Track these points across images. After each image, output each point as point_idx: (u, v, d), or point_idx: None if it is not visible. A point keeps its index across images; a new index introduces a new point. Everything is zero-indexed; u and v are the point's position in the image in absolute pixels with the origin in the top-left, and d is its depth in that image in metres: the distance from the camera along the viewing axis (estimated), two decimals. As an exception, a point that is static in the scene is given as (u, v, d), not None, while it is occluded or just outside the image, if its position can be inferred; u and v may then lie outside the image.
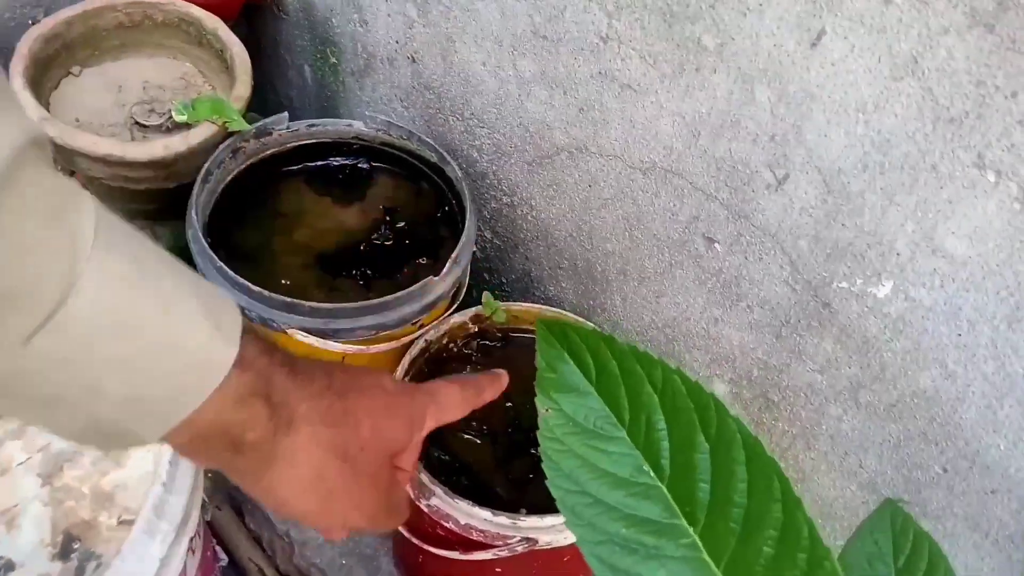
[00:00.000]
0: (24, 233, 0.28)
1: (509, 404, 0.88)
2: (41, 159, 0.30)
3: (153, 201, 0.93)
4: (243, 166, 0.91)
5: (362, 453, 0.44)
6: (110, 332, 0.32)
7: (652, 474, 0.51)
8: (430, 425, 0.50)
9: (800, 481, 0.81)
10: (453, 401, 0.53)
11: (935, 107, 0.52)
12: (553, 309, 0.90)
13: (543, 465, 0.52)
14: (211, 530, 1.05)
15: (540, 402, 0.53)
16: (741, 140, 0.65)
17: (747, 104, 0.62)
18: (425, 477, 0.74)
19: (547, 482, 0.51)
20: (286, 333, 0.77)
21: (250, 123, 0.89)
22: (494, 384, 0.59)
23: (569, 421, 0.53)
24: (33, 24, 0.90)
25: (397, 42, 0.92)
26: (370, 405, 0.45)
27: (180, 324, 0.34)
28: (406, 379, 0.85)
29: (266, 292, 0.75)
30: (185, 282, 0.34)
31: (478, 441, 0.86)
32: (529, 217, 0.93)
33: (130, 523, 0.66)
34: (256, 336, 0.38)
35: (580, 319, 0.89)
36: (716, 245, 0.73)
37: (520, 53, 0.79)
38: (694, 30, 0.63)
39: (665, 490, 0.50)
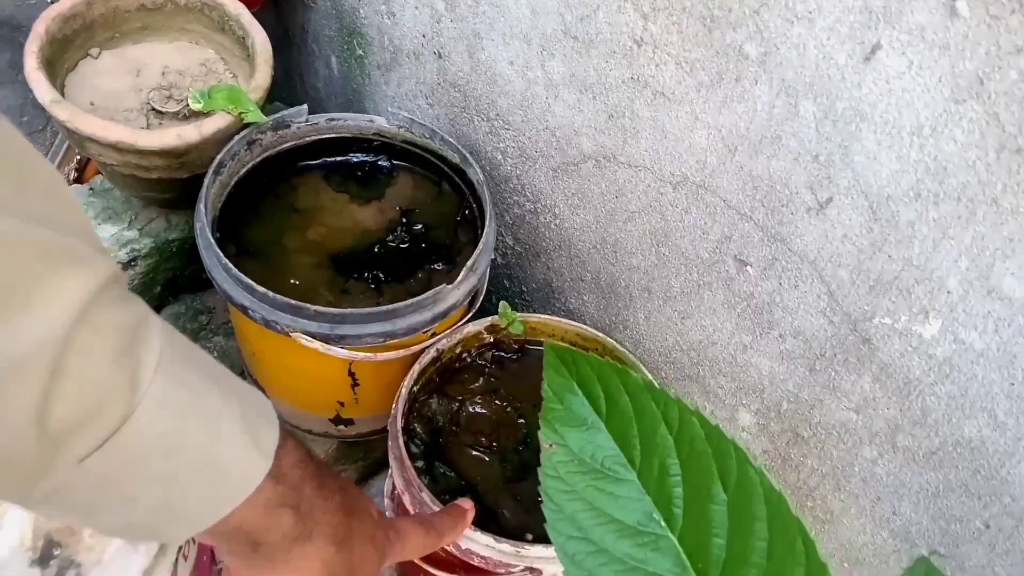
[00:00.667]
0: (92, 371, 0.31)
1: (521, 420, 0.84)
2: (115, 295, 0.33)
3: (167, 190, 0.90)
4: (259, 159, 0.87)
5: (350, 573, 0.46)
6: (158, 453, 0.34)
7: (663, 524, 0.46)
8: (390, 561, 0.53)
9: (828, 522, 0.75)
10: (415, 544, 0.57)
11: (1000, 134, 0.47)
12: (572, 323, 0.86)
13: (543, 506, 0.48)
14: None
15: (544, 436, 0.49)
16: (781, 158, 0.60)
17: (790, 119, 0.57)
18: (427, 496, 0.70)
19: (547, 526, 0.47)
20: (290, 336, 0.74)
21: (273, 113, 0.86)
22: (456, 527, 0.64)
23: (575, 459, 0.48)
24: (52, 2, 0.87)
25: (424, 36, 0.88)
26: (363, 530, 0.48)
27: (222, 444, 0.37)
28: (414, 388, 0.81)
29: (270, 293, 0.72)
30: (233, 399, 0.38)
31: (486, 458, 0.82)
32: (552, 225, 0.89)
33: (115, 530, 0.63)
34: (294, 445, 0.42)
35: (600, 334, 0.84)
36: (748, 268, 0.68)
37: (549, 53, 0.74)
38: (736, 37, 0.58)
39: (676, 542, 0.46)
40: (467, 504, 0.65)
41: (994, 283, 0.51)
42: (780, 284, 0.66)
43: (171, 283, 1.03)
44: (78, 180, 1.03)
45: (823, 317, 0.64)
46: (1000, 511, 0.60)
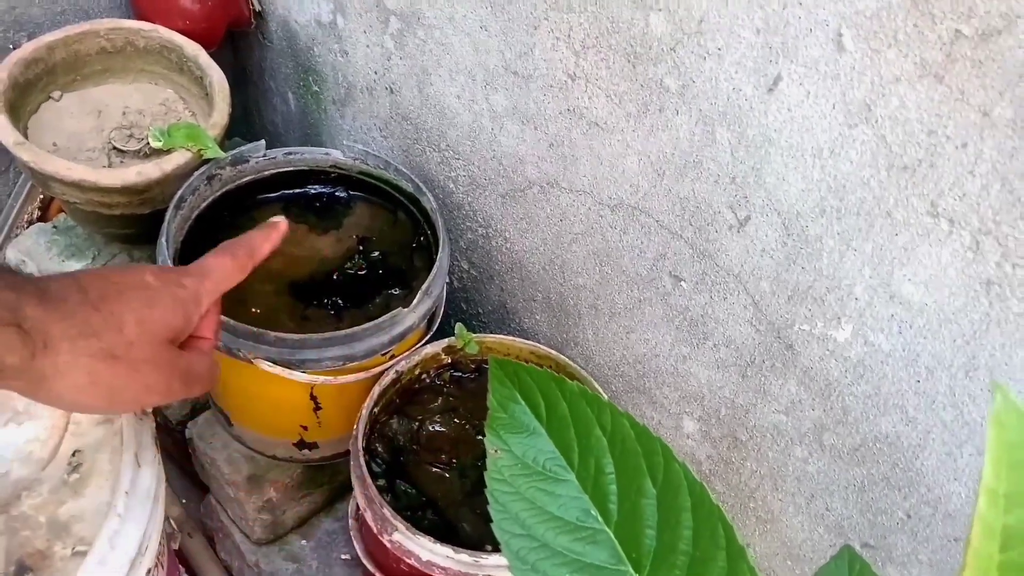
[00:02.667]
0: None
1: (480, 437, 0.88)
2: None
3: (129, 226, 0.93)
4: (218, 193, 0.91)
5: (131, 349, 0.48)
6: None
7: (600, 519, 0.50)
8: (208, 301, 0.55)
9: (769, 521, 0.80)
10: (226, 270, 0.58)
11: (889, 154, 0.52)
12: (526, 341, 0.90)
13: (490, 508, 0.51)
14: (180, 558, 1.04)
15: (490, 443, 0.53)
16: (704, 181, 0.65)
17: (708, 146, 0.63)
18: (388, 512, 0.73)
19: (493, 525, 0.51)
20: (252, 363, 0.77)
21: (231, 148, 0.90)
22: (269, 236, 0.64)
23: (518, 463, 0.52)
24: (15, 48, 0.90)
25: (376, 73, 0.93)
26: (130, 305, 0.49)
27: None
28: (375, 409, 0.85)
29: (231, 321, 0.75)
30: None
31: (446, 475, 0.85)
32: (504, 249, 0.93)
33: (83, 554, 0.65)
34: (2, 273, 0.44)
35: (553, 352, 0.88)
36: (682, 283, 0.73)
37: (493, 88, 0.79)
38: (657, 71, 0.63)
39: (612, 535, 0.50)
40: (278, 218, 0.66)
41: (895, 289, 0.57)
42: (711, 297, 0.71)
43: (135, 316, 1.05)
44: (42, 219, 1.05)
45: (750, 326, 0.68)
46: (919, 501, 0.65)
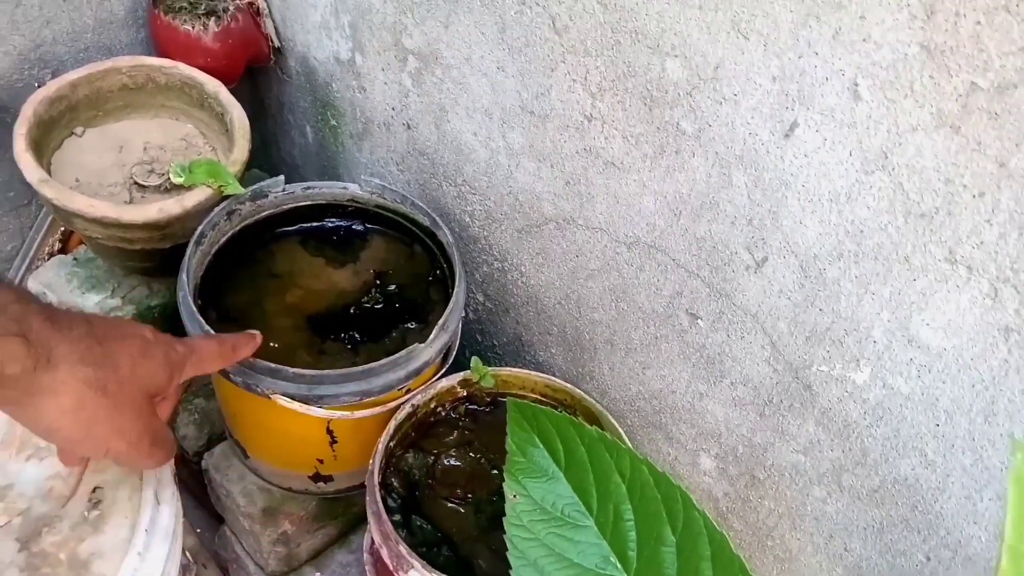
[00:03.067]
0: None
1: (495, 471, 0.88)
2: None
3: (149, 260, 0.94)
4: (238, 227, 0.92)
5: (121, 389, 0.50)
6: None
7: (619, 566, 0.50)
8: (189, 373, 0.59)
9: (787, 561, 0.79)
10: (210, 354, 0.63)
11: (906, 201, 0.52)
12: (542, 375, 0.90)
13: (508, 554, 0.52)
14: (195, 589, 1.04)
15: (508, 488, 0.53)
16: (720, 222, 0.65)
17: (725, 188, 0.63)
18: (404, 549, 0.73)
19: (511, 572, 0.51)
20: (270, 398, 0.77)
21: (250, 180, 0.91)
22: (248, 344, 0.70)
23: (537, 508, 0.52)
24: (39, 86, 0.92)
25: (393, 109, 0.94)
26: (129, 350, 0.52)
27: None
28: (391, 444, 0.85)
29: (250, 358, 0.76)
30: None
31: (461, 510, 0.85)
32: (519, 283, 0.94)
33: (102, 592, 0.65)
34: (11, 288, 0.45)
35: (568, 385, 0.89)
36: (699, 321, 0.73)
37: (509, 126, 0.80)
38: (673, 115, 0.63)
39: (631, 583, 0.50)
40: (255, 332, 0.74)
41: (913, 333, 0.57)
42: (728, 336, 0.71)
43: (153, 347, 1.06)
44: (62, 251, 1.07)
45: (768, 366, 0.68)
46: (938, 543, 0.64)
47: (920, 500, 0.63)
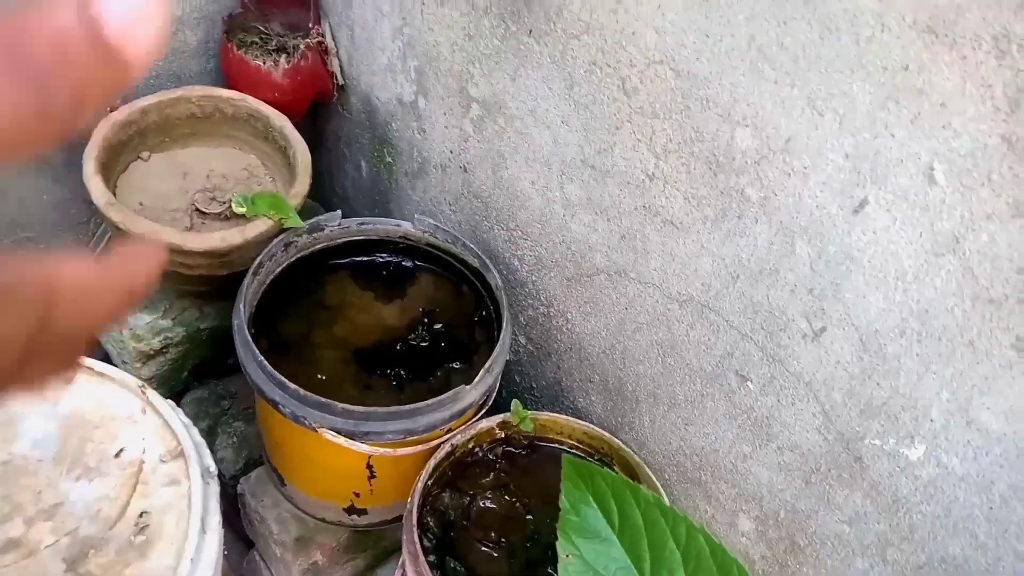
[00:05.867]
0: None
1: (529, 516, 0.88)
2: None
3: (205, 285, 0.96)
4: (293, 258, 0.94)
5: None
6: None
7: (669, 633, 0.50)
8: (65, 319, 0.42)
9: (822, 629, 0.78)
10: (88, 291, 0.49)
11: (975, 286, 0.53)
12: (580, 422, 0.91)
13: (560, 613, 0.52)
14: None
15: (561, 547, 0.53)
16: (779, 288, 0.66)
17: (787, 256, 0.64)
18: (439, 592, 0.73)
19: (562, 631, 0.51)
20: (317, 431, 0.78)
21: (303, 209, 0.93)
22: (149, 259, 0.53)
23: (589, 570, 0.53)
24: (111, 110, 0.95)
25: (451, 152, 0.96)
26: None
27: None
28: (429, 482, 0.85)
29: (301, 391, 0.77)
30: None
31: (495, 554, 0.85)
32: (564, 329, 0.94)
33: (146, 616, 0.66)
34: None
35: (607, 434, 0.89)
36: (749, 383, 0.73)
37: (568, 178, 0.81)
38: (739, 181, 0.64)
39: (682, 651, 0.50)
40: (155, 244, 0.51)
41: (973, 415, 0.57)
42: (778, 400, 0.71)
43: (198, 368, 1.08)
44: (117, 268, 1.09)
45: (818, 434, 0.68)
46: (985, 627, 0.63)
47: (969, 582, 0.63)
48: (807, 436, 0.70)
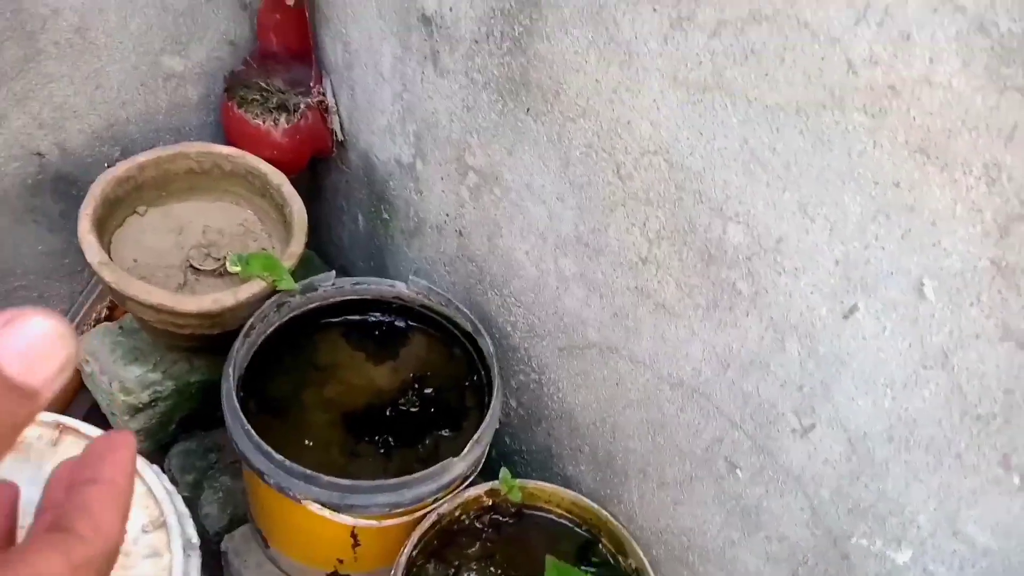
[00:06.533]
0: None
1: (516, 588, 0.87)
2: None
3: (196, 342, 0.95)
4: (285, 318, 0.93)
5: None
6: None
7: None
8: None
9: None
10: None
11: (963, 402, 0.52)
12: (569, 492, 0.90)
13: None
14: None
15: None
16: (769, 382, 0.65)
17: (777, 352, 0.63)
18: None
19: None
20: (300, 503, 0.77)
21: (302, 259, 0.93)
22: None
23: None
24: (108, 165, 0.95)
25: (447, 215, 0.96)
26: None
27: None
28: (413, 553, 0.84)
29: (287, 462, 0.76)
30: None
31: (481, 627, 0.84)
32: (555, 397, 0.94)
33: None
34: None
35: (595, 505, 0.88)
36: (738, 471, 0.73)
37: (562, 252, 0.81)
38: (730, 274, 0.64)
39: None
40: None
41: (960, 527, 0.56)
42: (767, 491, 0.70)
43: (185, 420, 1.07)
44: (108, 318, 1.09)
45: (806, 528, 0.68)
46: None
47: None
48: (795, 529, 0.69)
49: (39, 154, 0.98)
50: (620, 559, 0.88)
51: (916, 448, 0.56)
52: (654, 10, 0.60)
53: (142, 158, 0.95)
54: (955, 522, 0.56)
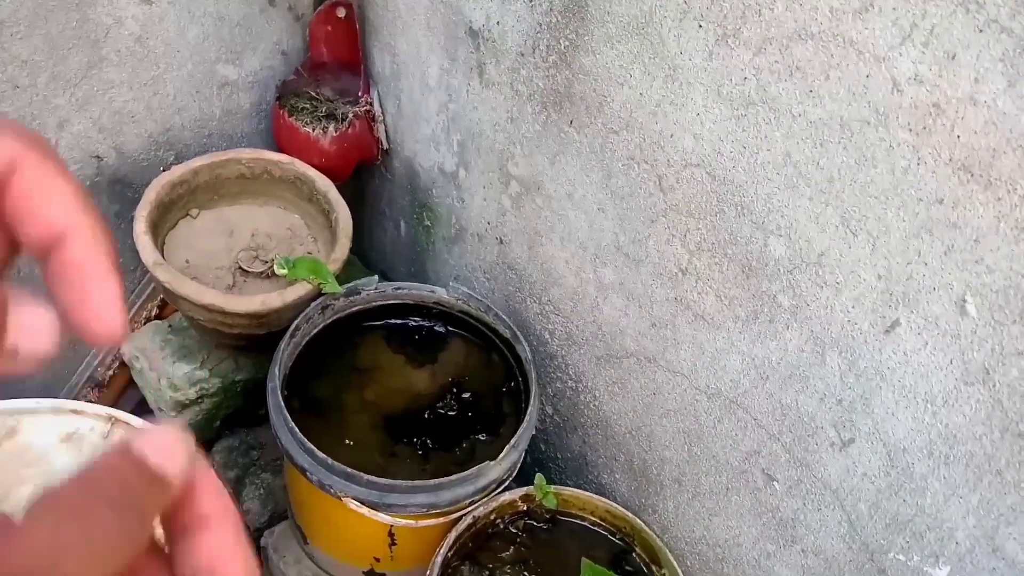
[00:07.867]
0: None
1: (548, 593, 0.88)
2: None
3: (242, 341, 0.98)
4: (329, 320, 0.96)
5: None
6: None
7: None
8: None
9: None
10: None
11: (1004, 419, 0.52)
12: (604, 500, 0.91)
13: None
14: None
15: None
16: (808, 395, 0.66)
17: (817, 365, 0.64)
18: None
19: None
20: (340, 500, 0.79)
21: (345, 263, 0.95)
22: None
23: None
24: (163, 168, 0.99)
25: (489, 223, 0.98)
26: None
27: None
28: (449, 554, 0.86)
29: (329, 460, 0.78)
30: None
31: (512, 631, 0.85)
32: (592, 405, 0.95)
33: None
34: None
35: (630, 514, 0.89)
36: (775, 483, 0.73)
37: (602, 262, 0.82)
38: (771, 287, 0.65)
39: None
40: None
41: (998, 543, 0.56)
42: (804, 504, 0.70)
43: (229, 418, 1.10)
44: (159, 316, 1.13)
45: (843, 542, 0.68)
46: None
47: None
48: (832, 543, 0.69)
49: (98, 157, 1.02)
50: (654, 569, 0.88)
51: (956, 464, 0.56)
52: (700, 26, 0.61)
53: (196, 163, 0.98)
54: (994, 539, 0.56)
